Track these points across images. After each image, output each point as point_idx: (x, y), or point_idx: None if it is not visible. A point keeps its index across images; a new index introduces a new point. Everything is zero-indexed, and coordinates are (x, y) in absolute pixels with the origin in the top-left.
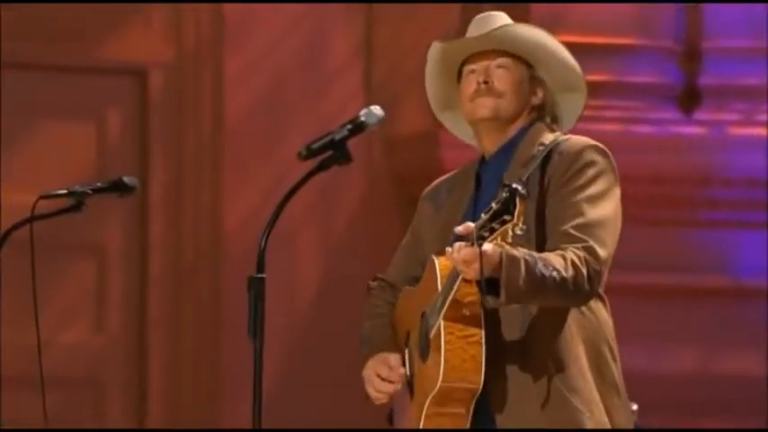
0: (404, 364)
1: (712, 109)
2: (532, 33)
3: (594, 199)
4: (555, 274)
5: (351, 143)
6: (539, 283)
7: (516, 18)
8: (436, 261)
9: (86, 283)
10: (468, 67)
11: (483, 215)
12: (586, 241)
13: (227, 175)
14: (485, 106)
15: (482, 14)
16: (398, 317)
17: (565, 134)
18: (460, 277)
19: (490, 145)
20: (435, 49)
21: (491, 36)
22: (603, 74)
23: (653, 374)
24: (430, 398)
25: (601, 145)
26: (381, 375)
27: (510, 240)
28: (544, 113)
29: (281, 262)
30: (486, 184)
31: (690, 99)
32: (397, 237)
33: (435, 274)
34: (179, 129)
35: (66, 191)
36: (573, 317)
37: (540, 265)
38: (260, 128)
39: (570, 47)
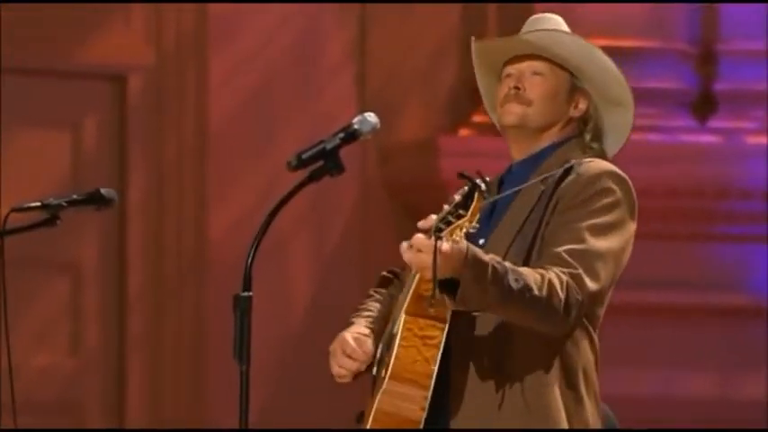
0: (375, 348)
1: (729, 116)
2: (571, 39)
3: (600, 229)
4: (525, 289)
5: (344, 151)
6: (504, 294)
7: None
8: None
9: (61, 300)
10: (506, 70)
11: (445, 206)
12: (576, 268)
13: (212, 184)
14: (511, 113)
15: (536, 15)
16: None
17: (598, 157)
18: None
19: (517, 153)
20: (474, 47)
21: (525, 39)
22: None
23: (666, 396)
24: (379, 394)
25: (622, 173)
26: (346, 351)
27: (462, 236)
28: (585, 128)
29: (272, 274)
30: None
31: (705, 106)
32: (391, 248)
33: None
34: (160, 135)
35: (39, 204)
36: (552, 345)
37: (510, 276)
38: (246, 134)
39: None
